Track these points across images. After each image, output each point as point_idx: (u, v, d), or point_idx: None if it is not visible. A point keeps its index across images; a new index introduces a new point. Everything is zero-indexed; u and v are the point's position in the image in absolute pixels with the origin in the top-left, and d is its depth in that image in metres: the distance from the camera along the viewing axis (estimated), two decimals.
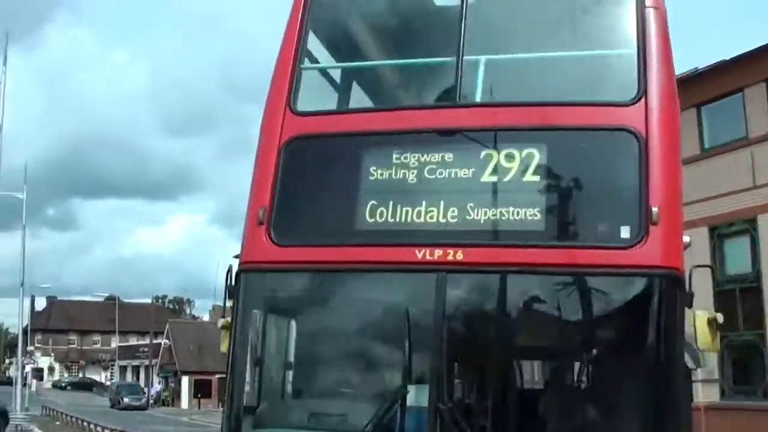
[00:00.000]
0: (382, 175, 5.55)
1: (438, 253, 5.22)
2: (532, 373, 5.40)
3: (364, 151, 5.71)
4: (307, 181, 5.79)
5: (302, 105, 6.02)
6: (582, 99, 5.55)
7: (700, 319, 5.12)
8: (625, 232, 5.07)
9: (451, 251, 5.21)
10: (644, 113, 5.31)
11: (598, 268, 5.04)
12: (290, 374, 5.84)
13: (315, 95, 6.55)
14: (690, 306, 5.14)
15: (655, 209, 5.04)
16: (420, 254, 5.24)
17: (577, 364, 5.28)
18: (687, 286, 5.11)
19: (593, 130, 5.39)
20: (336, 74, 6.96)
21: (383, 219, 5.42)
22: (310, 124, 5.91)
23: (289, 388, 5.86)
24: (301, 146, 5.84)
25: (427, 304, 5.12)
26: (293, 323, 5.81)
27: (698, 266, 5.24)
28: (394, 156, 5.55)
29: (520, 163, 5.33)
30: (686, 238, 5.30)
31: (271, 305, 5.70)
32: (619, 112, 5.40)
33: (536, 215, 5.20)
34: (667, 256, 5.04)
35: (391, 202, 5.43)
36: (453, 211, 5.33)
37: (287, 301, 5.76)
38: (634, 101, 5.37)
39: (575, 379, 5.28)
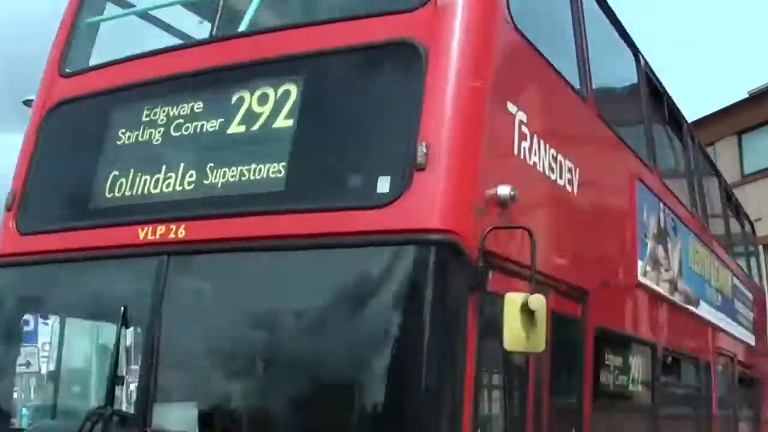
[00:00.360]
0: (129, 138, 4.37)
1: (161, 230, 3.95)
2: (267, 383, 3.87)
3: (113, 111, 4.55)
4: (57, 155, 4.70)
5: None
6: (351, 12, 4.08)
7: (510, 305, 3.45)
8: (383, 185, 3.55)
9: (174, 227, 3.92)
10: (432, 18, 3.76)
11: (341, 237, 3.54)
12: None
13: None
14: (481, 286, 3.49)
15: (422, 148, 3.48)
16: (142, 234, 4.00)
17: (320, 363, 3.73)
18: (479, 259, 3.48)
19: (360, 51, 3.91)
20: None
21: (121, 193, 4.23)
22: (73, 86, 4.83)
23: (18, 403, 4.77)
24: (62, 114, 4.78)
25: (144, 299, 3.86)
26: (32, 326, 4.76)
27: (499, 228, 3.57)
28: (144, 113, 4.36)
29: (274, 105, 3.95)
30: (503, 189, 3.64)
31: (13, 304, 4.65)
32: (397, 20, 3.88)
33: (280, 172, 3.80)
34: (439, 214, 3.45)
35: (132, 171, 4.24)
36: (191, 176, 4.04)
37: (26, 300, 4.67)
38: (419, 4, 3.84)
39: (318, 383, 3.72)
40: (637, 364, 5.74)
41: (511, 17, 4.02)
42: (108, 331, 4.14)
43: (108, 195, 4.25)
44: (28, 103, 6.37)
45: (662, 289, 6.47)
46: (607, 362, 5.21)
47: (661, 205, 6.62)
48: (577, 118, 5.07)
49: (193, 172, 4.02)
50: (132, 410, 3.73)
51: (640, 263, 5.87)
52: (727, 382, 8.93)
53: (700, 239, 8.04)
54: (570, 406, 4.55)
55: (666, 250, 6.60)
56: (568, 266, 4.52)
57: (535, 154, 4.17)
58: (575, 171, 4.71)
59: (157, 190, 4.09)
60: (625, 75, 6.64)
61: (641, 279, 5.88)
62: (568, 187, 4.63)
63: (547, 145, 4.32)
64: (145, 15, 5.41)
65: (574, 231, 4.76)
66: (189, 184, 4.01)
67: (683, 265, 7.13)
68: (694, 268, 7.58)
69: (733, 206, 11.28)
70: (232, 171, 3.91)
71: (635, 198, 5.93)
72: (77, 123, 4.73)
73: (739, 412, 9.59)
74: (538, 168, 4.21)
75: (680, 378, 7.22)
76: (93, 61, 5.05)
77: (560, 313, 4.12)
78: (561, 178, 4.53)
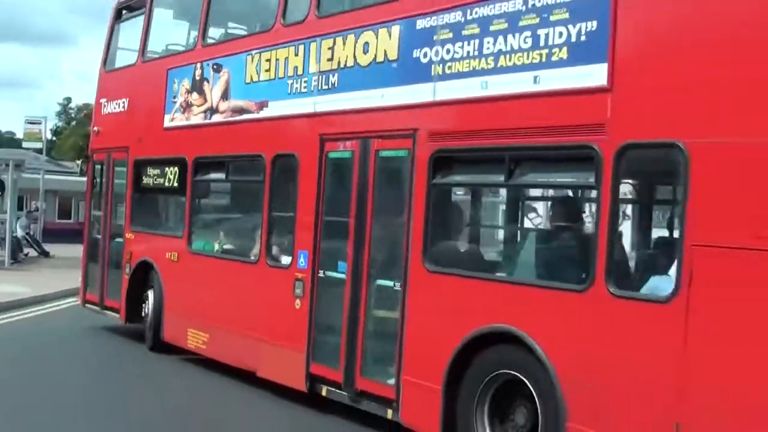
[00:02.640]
0: None
1: None
2: None
3: None
4: None
5: None
6: None
7: None
8: None
9: None
10: None
11: None
12: None
13: None
14: None
15: None
16: None
17: None
18: None
19: None
20: None
21: None
22: None
23: None
24: None
25: None
26: None
27: None
28: None
29: None
30: None
31: None
32: None
33: None
34: None
35: None
36: None
37: None
38: None
39: None
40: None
41: None
42: None
43: None
44: None
45: (195, 121, 9.45)
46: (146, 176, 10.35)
47: (196, 66, 9.39)
48: None
49: None
50: None
51: (166, 116, 9.89)
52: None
53: (268, 48, 8.22)
54: None
55: (202, 92, 9.35)
56: None
57: None
58: None
59: None
60: None
61: (166, 125, 9.95)
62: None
63: None
64: None
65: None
66: None
67: (231, 88, 8.79)
68: (257, 78, 8.37)
69: None
70: None
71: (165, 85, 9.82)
72: None
73: None
74: None
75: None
76: None
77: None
78: None
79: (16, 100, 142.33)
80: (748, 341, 4.26)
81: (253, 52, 8.42)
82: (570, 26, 5.30)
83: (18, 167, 22.99)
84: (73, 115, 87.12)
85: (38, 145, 40.94)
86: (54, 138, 79.69)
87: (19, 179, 23.58)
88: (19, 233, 24.26)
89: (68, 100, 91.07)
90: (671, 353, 4.58)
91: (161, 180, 10.24)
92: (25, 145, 41.95)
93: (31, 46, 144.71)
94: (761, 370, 4.19)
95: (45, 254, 25.19)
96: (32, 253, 25.06)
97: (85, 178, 14.49)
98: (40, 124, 42.10)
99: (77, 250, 22.66)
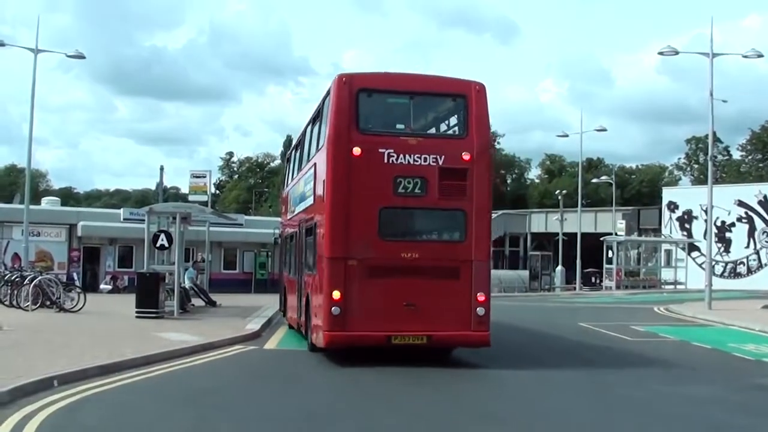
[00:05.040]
0: None
1: None
2: None
3: None
4: None
5: None
6: None
7: None
8: None
9: None
10: None
11: None
12: None
13: None
14: None
15: None
16: None
17: None
18: None
19: None
20: None
21: None
22: None
23: None
24: None
25: None
26: None
27: None
28: None
29: None
30: None
31: None
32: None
33: None
34: None
35: None
36: None
37: None
38: None
39: None
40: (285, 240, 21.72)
41: None
42: None
43: None
44: None
45: (290, 216, 20.66)
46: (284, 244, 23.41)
47: (289, 192, 20.78)
48: None
49: None
50: None
51: (287, 215, 21.45)
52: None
53: (294, 184, 19.78)
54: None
55: (290, 204, 20.66)
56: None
57: None
58: None
59: None
60: None
61: (287, 219, 21.38)
62: None
63: None
64: None
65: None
66: None
67: (294, 201, 19.57)
68: (295, 196, 19.21)
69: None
70: None
71: (288, 200, 21.07)
72: None
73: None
74: None
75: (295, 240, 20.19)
76: None
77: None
78: None
79: (180, 156, 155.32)
80: (323, 285, 14.04)
81: (294, 186, 19.43)
82: (312, 183, 15.63)
83: (185, 220, 22.89)
84: (235, 169, 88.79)
85: (203, 197, 40.47)
86: (217, 191, 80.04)
87: (186, 231, 23.72)
88: (187, 284, 24.93)
89: (230, 154, 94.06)
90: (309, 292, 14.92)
91: (286, 246, 21.86)
92: (190, 198, 40.86)
93: (194, 103, 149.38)
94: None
95: (212, 304, 25.85)
96: (199, 302, 25.44)
97: (249, 230, 31.10)
98: (204, 177, 42.66)
99: (242, 300, 29.54)
